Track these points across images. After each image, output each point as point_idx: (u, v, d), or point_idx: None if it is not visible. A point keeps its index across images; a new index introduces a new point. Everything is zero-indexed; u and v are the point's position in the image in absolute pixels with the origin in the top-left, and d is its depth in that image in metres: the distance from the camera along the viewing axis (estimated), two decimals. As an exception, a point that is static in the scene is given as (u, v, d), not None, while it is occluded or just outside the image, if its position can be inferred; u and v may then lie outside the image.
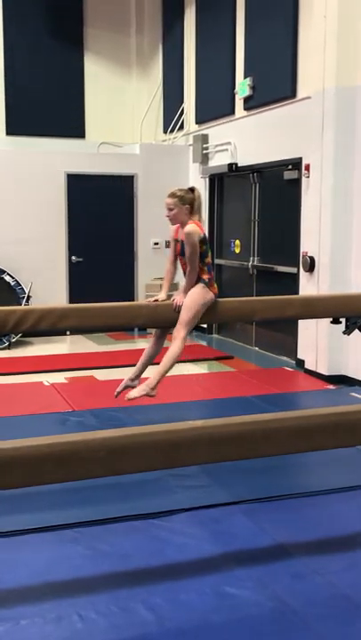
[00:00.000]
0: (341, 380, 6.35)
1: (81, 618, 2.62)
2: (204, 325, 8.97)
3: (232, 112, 8.26)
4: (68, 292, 9.15)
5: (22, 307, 7.25)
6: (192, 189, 4.18)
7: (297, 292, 6.85)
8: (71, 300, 8.96)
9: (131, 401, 4.57)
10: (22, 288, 8.35)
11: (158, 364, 4.48)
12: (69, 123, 9.94)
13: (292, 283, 7.09)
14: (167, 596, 2.76)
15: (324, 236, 6.34)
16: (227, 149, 8.41)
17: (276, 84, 7.30)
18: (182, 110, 9.47)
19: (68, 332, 8.62)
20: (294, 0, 6.95)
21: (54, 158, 9.06)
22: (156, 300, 4.32)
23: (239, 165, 8.13)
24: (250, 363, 7.47)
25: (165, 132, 9.87)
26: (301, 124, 6.79)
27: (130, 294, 9.33)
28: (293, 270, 7.16)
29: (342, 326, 4.67)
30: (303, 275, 6.75)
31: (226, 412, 4.85)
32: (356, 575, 2.93)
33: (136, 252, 9.44)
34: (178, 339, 4.28)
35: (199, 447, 2.84)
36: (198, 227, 4.13)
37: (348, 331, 4.66)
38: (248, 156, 7.98)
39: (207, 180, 8.92)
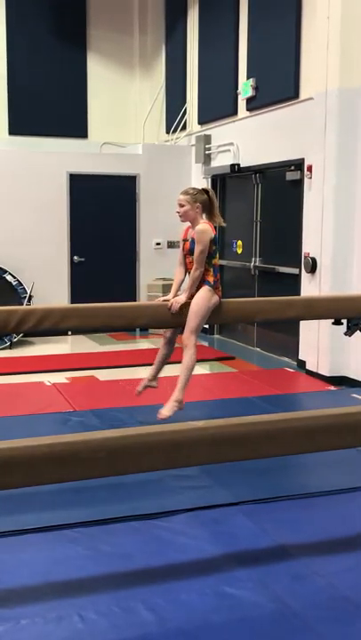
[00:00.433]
0: (343, 382, 6.35)
1: (81, 618, 2.63)
2: (206, 326, 8.96)
3: (235, 113, 8.27)
4: (70, 292, 9.16)
5: (24, 307, 7.25)
6: (206, 191, 4.20)
7: (299, 293, 6.85)
8: (73, 300, 8.96)
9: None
10: (24, 288, 8.35)
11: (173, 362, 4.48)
12: (72, 123, 9.94)
13: (293, 283, 7.09)
14: (168, 596, 2.77)
15: (326, 237, 6.34)
16: (229, 150, 8.42)
17: (279, 84, 7.30)
18: (185, 111, 9.47)
19: (69, 332, 8.62)
20: (297, 1, 6.96)
21: (57, 158, 9.07)
22: (166, 301, 4.30)
23: (241, 166, 8.13)
24: (251, 363, 7.47)
25: (168, 132, 9.87)
26: (304, 125, 6.79)
27: (132, 294, 9.33)
28: (295, 271, 7.16)
29: (344, 327, 4.67)
30: (305, 276, 6.75)
31: (227, 412, 4.86)
32: (356, 576, 2.93)
33: (138, 252, 9.45)
34: (190, 347, 4.28)
35: (200, 448, 2.84)
36: (210, 227, 4.13)
37: (349, 332, 4.66)
38: (250, 157, 7.98)
39: (209, 180, 8.92)
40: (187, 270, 4.44)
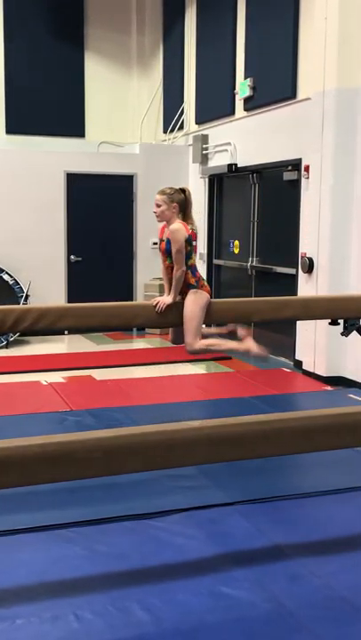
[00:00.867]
0: (339, 382, 6.35)
1: (77, 618, 2.62)
2: (203, 325, 8.95)
3: (232, 112, 8.26)
4: (67, 292, 9.15)
5: (20, 306, 7.24)
6: (183, 190, 4.16)
7: (296, 293, 6.85)
8: (70, 300, 8.96)
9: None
10: (21, 287, 8.34)
11: None
12: (69, 122, 9.93)
13: (290, 284, 7.09)
14: (163, 596, 2.76)
15: (324, 238, 6.35)
16: (226, 150, 8.41)
17: (277, 84, 7.30)
18: (182, 110, 9.47)
19: (66, 332, 8.62)
20: (295, 1, 6.96)
21: (54, 157, 9.06)
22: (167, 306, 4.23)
23: (239, 166, 8.13)
24: (248, 363, 7.47)
25: (165, 131, 9.86)
26: (301, 125, 6.79)
27: (129, 294, 9.33)
28: (292, 271, 7.16)
29: (340, 327, 4.66)
30: (302, 276, 6.75)
31: (224, 412, 4.86)
32: (353, 577, 2.93)
33: (135, 251, 9.44)
34: (195, 347, 4.23)
35: (196, 448, 2.84)
36: (184, 226, 4.11)
37: (346, 332, 4.65)
38: (248, 157, 7.98)
39: (207, 180, 8.92)
40: (166, 269, 4.38)
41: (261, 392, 6.01)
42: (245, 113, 8.00)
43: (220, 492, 3.76)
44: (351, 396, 5.84)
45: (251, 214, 8.14)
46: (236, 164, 8.16)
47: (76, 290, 9.08)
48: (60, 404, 5.58)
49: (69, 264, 9.18)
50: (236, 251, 8.51)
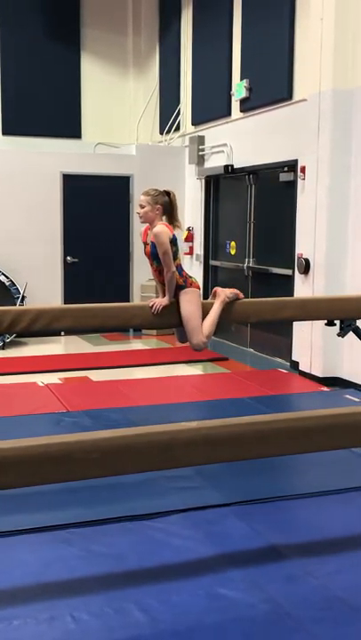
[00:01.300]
0: (336, 382, 6.36)
1: (74, 619, 2.62)
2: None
3: (228, 114, 8.27)
4: (63, 293, 9.15)
5: (17, 307, 7.24)
6: (168, 193, 4.15)
7: (292, 294, 6.85)
8: (66, 301, 8.96)
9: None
10: (17, 288, 8.34)
11: None
12: (66, 123, 9.94)
13: (287, 284, 7.10)
14: (161, 597, 2.76)
15: (320, 238, 6.36)
16: (223, 151, 8.42)
17: (273, 85, 7.31)
18: (179, 111, 9.47)
19: (62, 333, 8.61)
20: (291, 2, 6.97)
21: (50, 158, 9.06)
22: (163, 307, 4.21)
23: (235, 167, 8.14)
24: (245, 364, 7.48)
25: (162, 133, 9.87)
26: (297, 126, 6.80)
27: (125, 295, 9.33)
28: (289, 272, 7.17)
29: (337, 328, 4.66)
30: (298, 276, 6.76)
31: (220, 413, 4.86)
32: (349, 577, 2.93)
33: (131, 252, 9.44)
34: (202, 344, 4.19)
35: (194, 448, 2.84)
36: (167, 227, 4.10)
37: (342, 333, 4.64)
38: (244, 158, 7.99)
39: (203, 181, 8.93)
40: (154, 272, 4.35)
41: (258, 393, 6.02)
42: (242, 114, 8.01)
43: (216, 493, 3.76)
44: (348, 396, 5.84)
45: (247, 215, 8.15)
46: (232, 165, 8.17)
47: (72, 291, 9.08)
48: (57, 405, 5.57)
49: (66, 265, 9.18)
50: (233, 252, 8.52)
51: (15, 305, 7.97)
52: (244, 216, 8.20)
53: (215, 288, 4.14)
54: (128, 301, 9.14)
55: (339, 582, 2.88)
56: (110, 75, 10.22)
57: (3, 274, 8.35)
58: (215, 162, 8.61)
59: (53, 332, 8.09)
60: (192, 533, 3.31)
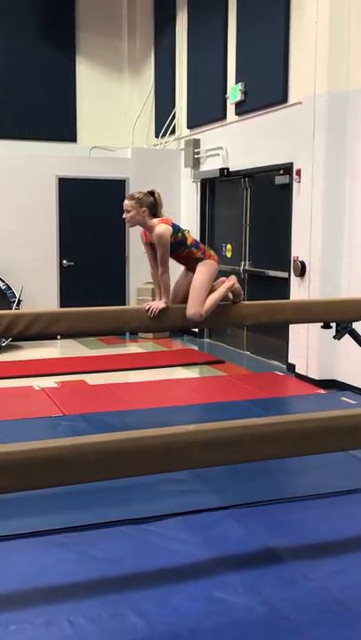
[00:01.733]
0: (332, 385, 6.36)
1: (70, 623, 2.61)
2: (196, 330, 8.97)
3: (224, 117, 8.28)
4: (59, 296, 9.14)
5: (12, 311, 7.23)
6: (152, 193, 4.15)
7: (288, 297, 6.86)
8: (62, 304, 8.94)
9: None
10: (13, 292, 8.32)
11: None
12: (61, 126, 9.94)
13: (283, 287, 7.10)
14: (158, 601, 2.75)
15: (315, 241, 6.36)
16: (218, 154, 8.43)
17: (268, 89, 7.32)
18: (174, 115, 9.48)
19: (58, 337, 8.60)
20: (286, 6, 6.98)
21: (46, 162, 9.06)
22: (160, 311, 4.19)
23: (231, 170, 8.15)
24: (241, 367, 7.47)
25: (157, 136, 9.88)
26: (293, 130, 6.81)
27: (121, 298, 9.32)
28: (285, 275, 7.17)
29: (333, 331, 4.67)
30: (294, 279, 6.76)
31: (217, 416, 4.84)
32: (347, 580, 2.93)
33: (128, 255, 9.44)
34: (198, 316, 4.16)
35: (191, 452, 2.84)
36: (167, 222, 4.09)
37: (338, 335, 4.65)
38: (239, 161, 8.00)
39: (199, 184, 8.93)
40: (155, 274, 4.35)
41: (255, 395, 6.01)
42: (237, 117, 8.02)
43: (214, 496, 3.75)
44: (344, 399, 5.84)
45: (243, 218, 8.15)
46: (227, 169, 8.17)
47: (68, 294, 9.07)
48: (53, 408, 5.56)
49: (62, 268, 9.17)
50: (229, 255, 8.52)
51: (11, 309, 7.96)
52: (239, 219, 8.21)
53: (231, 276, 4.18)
54: (124, 305, 9.13)
55: (337, 585, 2.88)
56: (106, 78, 10.22)
57: (-2, 278, 8.35)
58: (211, 165, 8.62)
59: (49, 336, 8.07)
60: (189, 537, 3.30)
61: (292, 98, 6.98)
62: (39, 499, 3.49)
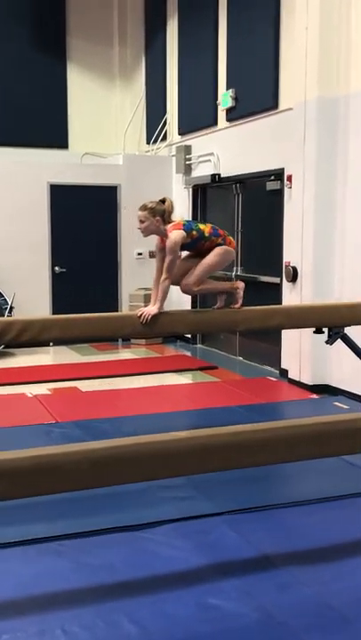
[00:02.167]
0: (325, 390, 6.37)
1: (64, 632, 2.60)
2: (188, 335, 8.98)
3: (215, 123, 8.31)
4: (52, 303, 9.13)
5: (4, 318, 7.21)
6: (163, 200, 4.17)
7: (280, 302, 6.87)
8: (54, 311, 8.93)
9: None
10: (5, 299, 8.31)
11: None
12: (53, 133, 9.94)
13: (275, 293, 7.11)
14: (152, 608, 2.75)
15: (307, 247, 6.38)
16: (210, 160, 8.45)
17: (259, 95, 7.35)
18: (165, 121, 9.50)
19: (51, 343, 8.58)
20: (276, 12, 7.02)
21: (37, 169, 9.06)
22: (153, 317, 4.18)
23: (222, 176, 8.17)
24: (234, 372, 7.48)
25: (148, 142, 9.90)
26: (284, 135, 6.84)
27: (114, 305, 9.31)
28: (277, 280, 7.18)
29: (325, 336, 4.68)
30: (286, 285, 6.78)
31: (210, 422, 4.85)
32: (342, 585, 2.93)
33: (120, 262, 9.44)
34: (193, 289, 4.17)
35: (184, 458, 2.84)
36: (177, 227, 4.10)
37: (330, 340, 4.67)
38: (231, 167, 8.02)
39: (190, 190, 8.95)
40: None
41: (248, 401, 6.02)
42: (228, 123, 8.04)
43: (208, 503, 3.75)
44: (337, 404, 5.85)
45: (234, 224, 8.17)
46: (219, 174, 8.19)
47: (60, 301, 9.06)
48: (46, 416, 5.55)
49: (54, 275, 9.16)
50: (221, 260, 8.51)
51: (3, 316, 7.95)
52: (231, 225, 8.22)
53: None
54: (117, 311, 9.12)
55: (331, 591, 2.88)
56: (97, 85, 10.25)
57: (-10, 285, 8.33)
58: (202, 171, 8.64)
59: (42, 343, 8.05)
60: (183, 544, 3.30)
61: (282, 104, 7.01)
62: (33, 506, 3.47)
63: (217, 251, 4.16)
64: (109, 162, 9.70)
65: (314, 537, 3.40)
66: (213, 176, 8.22)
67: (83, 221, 9.24)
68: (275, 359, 7.34)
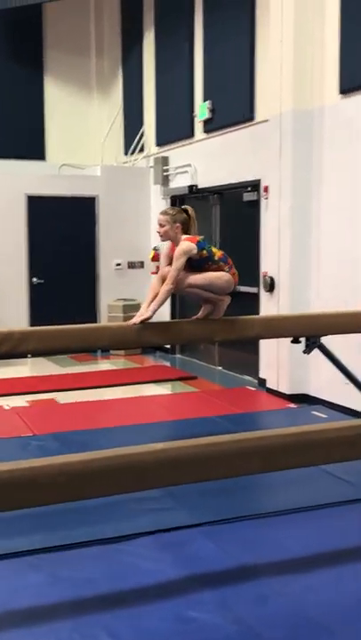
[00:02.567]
0: (303, 399, 6.39)
1: (42, 647, 2.58)
2: (168, 346, 8.97)
3: (192, 134, 8.35)
4: (30, 315, 9.09)
5: (-17, 330, 7.16)
6: (185, 210, 4.22)
7: (258, 312, 6.89)
8: (33, 322, 8.89)
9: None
10: (-17, 311, 8.26)
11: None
12: (30, 144, 9.94)
13: (253, 302, 7.13)
14: (130, 621, 2.73)
15: (284, 257, 6.42)
16: (187, 171, 8.48)
17: (235, 107, 7.40)
18: (142, 133, 9.53)
19: (29, 355, 8.53)
20: (251, 25, 7.08)
21: (15, 180, 9.04)
22: (143, 320, 4.14)
23: (199, 187, 8.20)
24: (213, 383, 7.49)
25: (126, 153, 9.92)
26: (260, 147, 6.89)
27: (92, 316, 9.30)
28: (254, 290, 7.21)
29: (302, 345, 4.70)
30: (264, 294, 6.81)
31: (189, 432, 4.84)
32: (320, 596, 2.93)
33: (98, 273, 9.43)
34: (187, 282, 4.12)
35: (160, 471, 2.83)
36: (191, 241, 4.13)
37: (307, 350, 4.69)
38: (208, 178, 8.06)
39: (168, 201, 8.97)
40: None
41: (226, 411, 6.03)
42: (205, 135, 8.09)
43: (186, 514, 3.75)
44: (315, 413, 5.88)
45: (212, 234, 8.19)
46: (196, 185, 8.23)
47: (39, 312, 9.02)
48: (23, 428, 5.52)
49: (32, 286, 9.13)
50: (199, 271, 8.54)
51: (-19, 328, 7.89)
52: (208, 235, 8.24)
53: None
54: (96, 322, 9.11)
55: (309, 601, 2.88)
56: (74, 96, 10.26)
57: (-32, 296, 8.28)
58: (180, 182, 8.67)
59: (20, 355, 7.99)
60: (161, 556, 3.29)
61: (258, 115, 7.07)
62: (9, 520, 3.44)
63: (223, 275, 4.17)
64: (87, 173, 9.70)
65: (292, 547, 3.40)
66: (191, 187, 8.26)
67: (61, 232, 9.22)
68: (254, 369, 7.37)
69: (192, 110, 8.26)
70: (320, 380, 6.24)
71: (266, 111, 6.74)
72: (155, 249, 9.35)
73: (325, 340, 4.70)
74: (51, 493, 2.71)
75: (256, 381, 7.28)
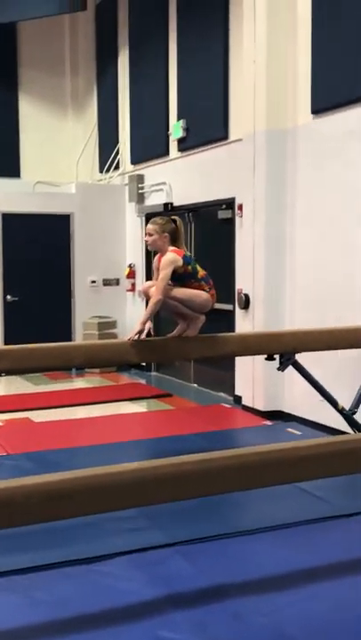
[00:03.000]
0: (278, 416, 6.41)
1: (15, 671, 2.54)
2: (143, 364, 8.96)
3: (167, 153, 8.40)
4: (4, 332, 9.03)
5: None
6: (174, 220, 4.24)
7: (233, 329, 6.92)
8: (7, 340, 8.84)
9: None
10: None
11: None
12: (4, 162, 9.92)
13: (228, 319, 7.16)
14: (104, 643, 2.71)
15: (258, 274, 6.46)
16: (162, 189, 8.52)
17: (209, 126, 7.47)
18: (118, 150, 9.57)
19: (2, 374, 8.47)
20: (225, 44, 7.16)
21: (-11, 198, 9.01)
22: (137, 333, 4.12)
23: (175, 205, 8.24)
24: (189, 400, 7.48)
25: (101, 171, 9.95)
26: (234, 165, 6.95)
27: (67, 333, 9.26)
28: (230, 307, 7.24)
29: (277, 362, 4.73)
30: (239, 311, 6.84)
31: (164, 451, 4.82)
32: (296, 613, 2.93)
33: (73, 290, 9.41)
34: (159, 296, 4.11)
35: (134, 490, 2.82)
36: (177, 253, 4.15)
37: (282, 367, 4.73)
38: (183, 196, 8.10)
39: (143, 218, 8.99)
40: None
41: (201, 429, 6.02)
42: (180, 153, 8.14)
43: (160, 533, 3.72)
44: (290, 430, 5.90)
45: (188, 251, 8.21)
46: (171, 203, 8.27)
47: (13, 330, 8.97)
48: (-3, 447, 5.46)
49: (5, 304, 9.08)
50: (174, 288, 8.55)
51: None
52: (184, 253, 8.27)
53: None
54: (70, 339, 9.08)
55: (285, 618, 2.88)
56: (49, 114, 10.28)
57: None
58: (155, 200, 8.70)
59: (-6, 373, 7.94)
60: (136, 576, 3.26)
61: (232, 134, 7.13)
62: (-18, 542, 3.41)
63: (202, 294, 4.21)
64: (62, 190, 9.70)
65: (267, 565, 3.39)
66: (166, 205, 8.29)
67: (35, 250, 9.20)
68: (229, 386, 7.38)
69: (167, 129, 8.32)
70: (294, 396, 6.27)
71: (240, 130, 6.81)
72: (130, 266, 9.37)
73: (300, 357, 4.74)
74: (24, 514, 2.69)
75: (231, 398, 7.29)
